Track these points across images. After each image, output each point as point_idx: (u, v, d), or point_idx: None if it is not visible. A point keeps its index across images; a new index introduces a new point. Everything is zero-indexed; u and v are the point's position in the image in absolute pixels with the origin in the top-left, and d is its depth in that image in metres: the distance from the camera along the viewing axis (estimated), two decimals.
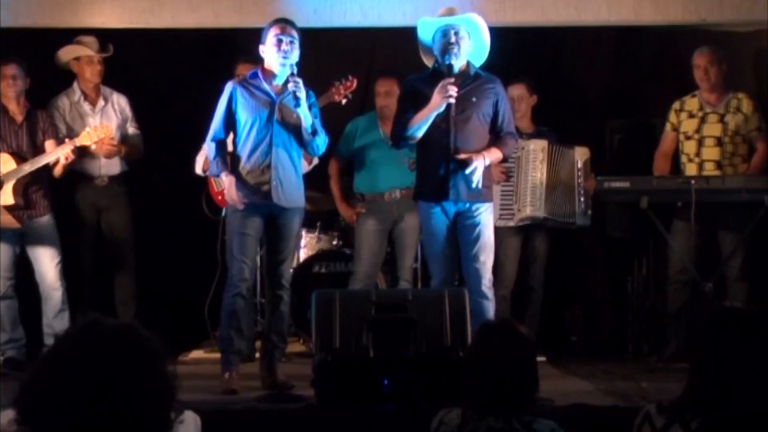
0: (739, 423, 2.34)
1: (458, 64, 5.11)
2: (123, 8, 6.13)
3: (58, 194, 6.09)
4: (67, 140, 5.80)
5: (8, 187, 5.75)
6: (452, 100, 5.01)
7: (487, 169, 5.21)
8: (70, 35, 6.26)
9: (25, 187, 5.80)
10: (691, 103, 6.12)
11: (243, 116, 5.20)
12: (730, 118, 6.02)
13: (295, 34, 5.17)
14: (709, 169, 6.01)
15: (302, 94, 5.07)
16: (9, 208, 5.76)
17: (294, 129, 5.19)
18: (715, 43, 6.23)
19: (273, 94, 5.19)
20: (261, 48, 5.22)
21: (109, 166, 6.23)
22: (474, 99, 5.16)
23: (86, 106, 6.23)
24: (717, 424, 2.36)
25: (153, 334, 1.86)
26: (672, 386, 4.66)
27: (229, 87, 5.25)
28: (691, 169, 6.05)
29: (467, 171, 5.05)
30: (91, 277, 6.28)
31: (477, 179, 5.06)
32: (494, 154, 5.20)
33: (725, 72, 6.06)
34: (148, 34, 6.29)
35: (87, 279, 6.26)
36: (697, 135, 6.06)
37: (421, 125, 5.10)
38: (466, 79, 5.16)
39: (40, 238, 5.86)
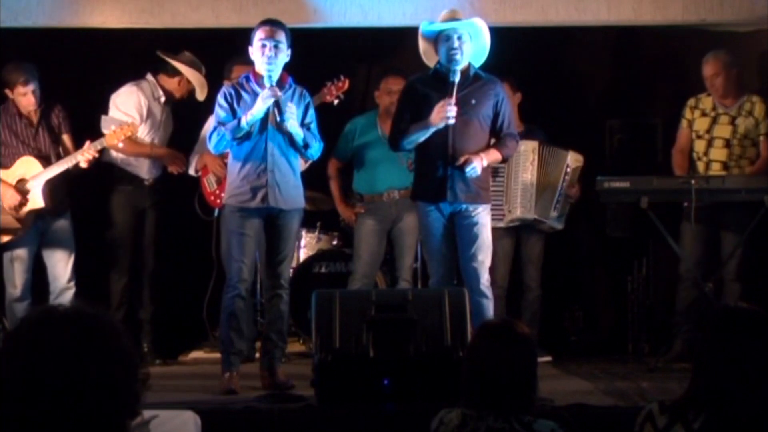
0: (742, 423, 2.34)
1: (460, 67, 5.13)
2: (123, 8, 6.12)
3: (94, 195, 6.11)
4: (88, 142, 5.74)
5: (37, 191, 5.75)
6: (451, 122, 5.04)
7: (485, 171, 5.22)
8: (70, 35, 6.26)
9: (51, 189, 5.79)
10: (706, 101, 6.09)
11: None
12: (741, 121, 6.00)
13: (281, 37, 5.12)
14: (716, 169, 6.00)
15: (291, 110, 5.06)
16: (38, 210, 5.75)
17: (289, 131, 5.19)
18: (715, 44, 6.23)
19: None
20: (250, 49, 5.20)
21: (155, 168, 6.24)
22: (474, 101, 5.18)
23: (159, 106, 6.24)
24: (719, 423, 2.36)
25: (106, 313, 1.81)
26: (672, 386, 4.70)
27: (223, 92, 5.24)
28: (699, 168, 6.05)
29: (466, 171, 5.08)
30: (127, 278, 6.26)
31: (474, 178, 5.10)
32: (493, 156, 5.23)
33: (736, 76, 6.02)
34: (148, 34, 6.29)
35: (122, 279, 6.24)
36: (707, 135, 6.06)
37: (418, 137, 5.16)
38: (467, 81, 5.18)
39: (57, 239, 5.86)
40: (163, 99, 6.26)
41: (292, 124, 5.11)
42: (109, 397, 1.72)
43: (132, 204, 6.23)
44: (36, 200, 5.75)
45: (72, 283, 5.86)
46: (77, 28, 6.19)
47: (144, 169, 6.21)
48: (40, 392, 1.68)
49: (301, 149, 5.22)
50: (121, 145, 5.82)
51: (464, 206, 5.17)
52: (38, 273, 5.94)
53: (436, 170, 5.15)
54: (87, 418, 1.70)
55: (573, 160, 6.22)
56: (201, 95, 6.24)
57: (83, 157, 5.68)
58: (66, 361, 1.70)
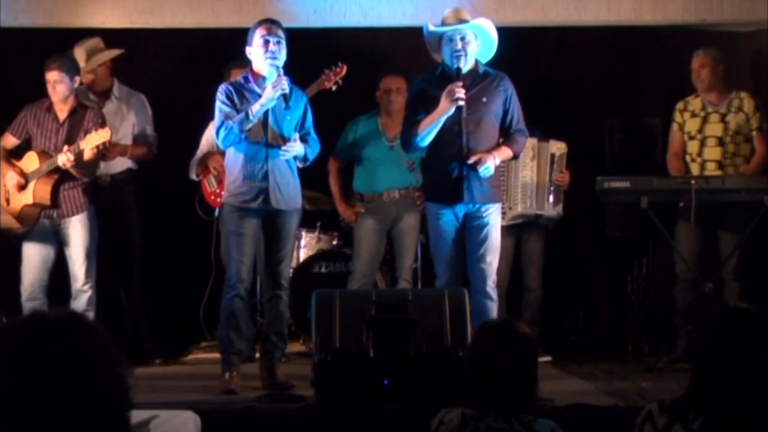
0: (742, 423, 2.34)
1: (466, 67, 5.11)
2: (123, 8, 6.12)
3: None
4: (66, 147, 5.71)
5: (30, 186, 5.74)
6: (461, 103, 4.99)
7: (497, 169, 5.21)
8: (70, 35, 6.25)
9: (54, 186, 5.74)
10: (695, 103, 6.13)
11: None
12: (731, 117, 6.02)
13: (281, 34, 5.14)
14: (711, 169, 6.01)
15: (292, 147, 5.10)
16: (31, 207, 5.73)
17: (288, 131, 5.19)
18: (715, 43, 6.23)
19: None
20: (248, 50, 5.19)
21: (109, 166, 6.17)
22: (484, 99, 5.15)
23: (95, 104, 6.15)
24: (719, 423, 2.36)
25: (98, 323, 1.75)
26: (672, 386, 4.69)
27: (223, 88, 5.22)
28: (694, 169, 6.06)
29: (480, 171, 5.04)
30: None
31: (488, 177, 5.07)
32: (505, 153, 5.20)
33: (722, 72, 6.06)
34: (148, 34, 6.29)
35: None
36: (699, 135, 6.07)
37: (431, 130, 5.09)
38: (476, 79, 5.15)
39: (69, 240, 5.78)
40: (92, 96, 6.19)
41: (295, 152, 5.15)
42: (86, 403, 1.66)
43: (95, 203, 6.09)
44: (27, 196, 5.75)
45: (87, 286, 5.74)
46: (77, 28, 6.18)
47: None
48: (15, 398, 1.65)
49: (300, 160, 5.26)
50: (93, 150, 5.70)
51: (477, 206, 5.13)
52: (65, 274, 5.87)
53: (451, 171, 5.09)
54: (67, 423, 1.65)
55: (555, 148, 6.24)
56: (82, 62, 6.08)
57: (60, 159, 5.64)
58: (37, 368, 1.65)
